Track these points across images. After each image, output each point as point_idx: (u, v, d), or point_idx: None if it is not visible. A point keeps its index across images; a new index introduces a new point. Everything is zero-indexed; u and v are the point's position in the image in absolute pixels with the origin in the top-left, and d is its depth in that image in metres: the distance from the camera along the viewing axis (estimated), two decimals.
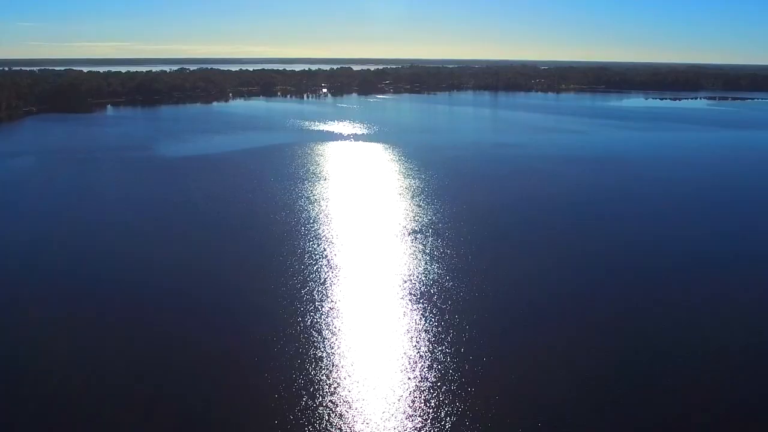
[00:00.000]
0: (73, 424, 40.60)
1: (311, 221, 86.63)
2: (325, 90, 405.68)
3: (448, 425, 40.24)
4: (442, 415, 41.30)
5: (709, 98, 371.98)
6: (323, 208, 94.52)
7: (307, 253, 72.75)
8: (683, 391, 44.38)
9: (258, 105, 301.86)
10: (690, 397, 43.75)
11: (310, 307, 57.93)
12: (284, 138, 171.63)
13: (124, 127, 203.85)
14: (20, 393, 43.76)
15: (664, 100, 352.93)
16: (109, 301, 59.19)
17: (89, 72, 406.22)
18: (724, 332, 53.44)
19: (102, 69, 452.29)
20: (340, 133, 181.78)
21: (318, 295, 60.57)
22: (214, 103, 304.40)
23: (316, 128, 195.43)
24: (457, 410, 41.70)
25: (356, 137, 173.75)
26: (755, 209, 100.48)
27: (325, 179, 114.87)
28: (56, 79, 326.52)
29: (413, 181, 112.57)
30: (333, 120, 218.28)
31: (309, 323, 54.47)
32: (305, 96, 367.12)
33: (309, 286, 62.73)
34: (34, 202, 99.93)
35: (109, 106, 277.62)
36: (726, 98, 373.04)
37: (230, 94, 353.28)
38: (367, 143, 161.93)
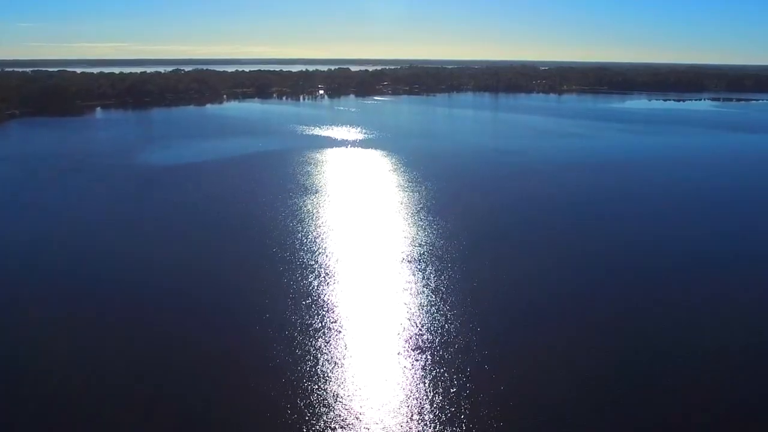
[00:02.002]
0: (73, 424, 41.51)
1: (310, 228, 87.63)
2: (321, 91, 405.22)
3: (448, 425, 41.21)
4: (443, 415, 42.31)
5: (713, 99, 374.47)
6: (321, 215, 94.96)
7: (307, 253, 73.94)
8: (683, 391, 45.32)
9: (252, 107, 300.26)
10: (690, 397, 44.68)
11: (311, 307, 59.09)
12: (279, 144, 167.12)
13: (109, 132, 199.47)
14: (20, 393, 44.70)
15: (667, 102, 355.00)
16: (109, 301, 60.31)
17: (82, 73, 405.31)
18: (724, 332, 54.56)
19: (99, 69, 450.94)
20: (337, 139, 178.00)
21: (318, 295, 61.72)
22: (208, 106, 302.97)
23: (312, 133, 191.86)
24: (457, 410, 42.71)
25: (354, 143, 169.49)
26: (755, 209, 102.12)
27: (322, 190, 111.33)
28: (47, 80, 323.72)
29: (412, 192, 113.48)
30: (329, 124, 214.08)
31: (309, 323, 55.59)
32: (301, 98, 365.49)
33: (309, 286, 63.90)
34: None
35: (98, 108, 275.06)
36: (730, 99, 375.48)
37: (224, 96, 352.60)
38: (365, 150, 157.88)
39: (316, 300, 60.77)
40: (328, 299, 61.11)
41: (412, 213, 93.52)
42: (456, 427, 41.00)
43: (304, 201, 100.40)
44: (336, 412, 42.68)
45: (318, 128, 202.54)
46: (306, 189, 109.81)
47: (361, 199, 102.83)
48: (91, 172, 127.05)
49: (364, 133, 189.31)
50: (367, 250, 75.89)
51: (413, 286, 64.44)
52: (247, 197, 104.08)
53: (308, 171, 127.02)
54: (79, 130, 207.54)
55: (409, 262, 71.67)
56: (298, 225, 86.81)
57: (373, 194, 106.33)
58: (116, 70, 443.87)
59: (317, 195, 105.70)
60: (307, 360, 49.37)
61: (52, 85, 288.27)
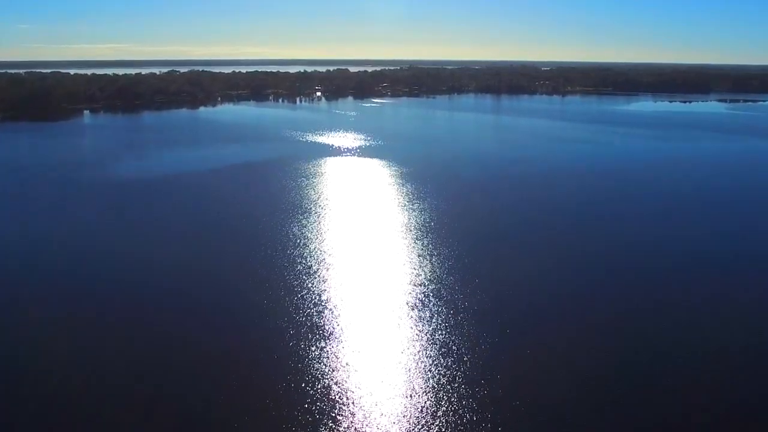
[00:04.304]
0: (73, 424, 42.74)
1: (311, 233, 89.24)
2: (319, 93, 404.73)
3: (447, 425, 42.48)
4: (442, 415, 43.59)
5: (720, 100, 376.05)
6: (317, 234, 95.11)
7: (307, 254, 75.56)
8: (683, 391, 46.53)
9: (247, 111, 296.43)
10: (690, 397, 45.88)
11: (311, 306, 60.69)
12: (272, 153, 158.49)
13: (89, 139, 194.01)
14: (20, 393, 46.03)
15: (673, 103, 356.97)
16: (109, 301, 61.92)
17: (75, 74, 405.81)
18: (724, 332, 56.04)
19: (95, 71, 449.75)
20: (335, 146, 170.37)
21: (318, 295, 63.36)
22: (201, 108, 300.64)
23: (307, 140, 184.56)
24: (458, 410, 44.02)
25: (352, 151, 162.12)
26: (755, 209, 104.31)
27: (317, 206, 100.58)
28: (36, 82, 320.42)
29: (414, 205, 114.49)
30: (327, 130, 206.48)
31: (310, 323, 57.12)
32: (298, 100, 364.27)
33: (310, 287, 65.51)
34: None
35: (86, 111, 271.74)
36: (737, 100, 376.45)
37: (218, 98, 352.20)
38: (364, 158, 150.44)
39: (317, 300, 62.22)
40: (330, 300, 62.55)
41: (411, 213, 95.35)
42: (455, 427, 42.22)
43: (299, 220, 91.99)
44: (336, 412, 43.99)
45: (314, 134, 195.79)
46: (300, 206, 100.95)
47: (359, 216, 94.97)
48: (51, 186, 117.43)
49: (363, 140, 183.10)
50: (364, 254, 77.58)
51: (413, 288, 66.04)
52: (235, 215, 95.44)
53: (303, 184, 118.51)
54: (58, 136, 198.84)
55: (410, 267, 73.42)
56: (299, 231, 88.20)
57: (371, 212, 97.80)
58: (113, 71, 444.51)
59: (312, 213, 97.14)
60: (308, 360, 50.77)
61: (38, 87, 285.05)
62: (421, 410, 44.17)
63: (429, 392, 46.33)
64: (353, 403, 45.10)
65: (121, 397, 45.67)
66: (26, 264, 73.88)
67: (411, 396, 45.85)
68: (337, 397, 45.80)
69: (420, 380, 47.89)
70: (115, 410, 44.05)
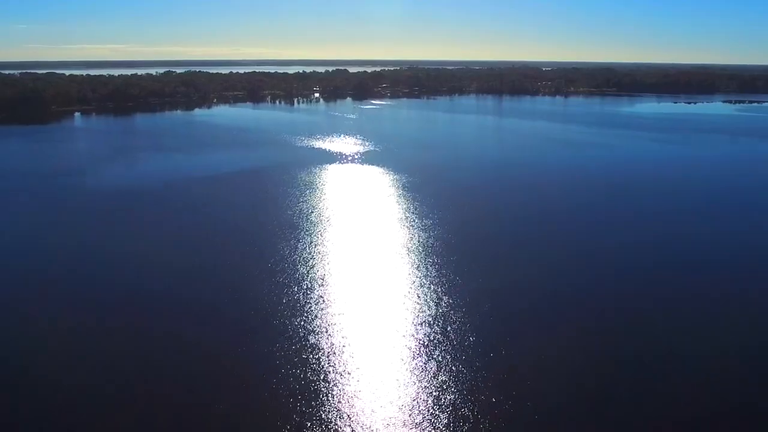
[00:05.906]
0: (73, 424, 43.84)
1: (313, 241, 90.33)
2: (317, 95, 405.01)
3: (448, 425, 43.56)
4: (443, 415, 44.70)
5: (725, 101, 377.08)
6: (324, 228, 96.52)
7: (308, 255, 76.74)
8: (683, 391, 47.69)
9: (243, 113, 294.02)
10: (690, 397, 47.00)
11: (312, 308, 62.00)
12: (267, 160, 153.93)
13: (76, 144, 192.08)
14: (20, 393, 47.16)
15: (677, 104, 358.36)
16: (109, 302, 63.27)
17: (70, 76, 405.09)
18: (724, 332, 57.38)
19: (94, 72, 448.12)
20: (333, 152, 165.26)
21: (319, 297, 64.63)
22: (196, 110, 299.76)
23: (305, 144, 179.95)
24: (458, 410, 45.14)
25: (350, 158, 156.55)
26: (756, 210, 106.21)
27: (312, 222, 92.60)
28: (27, 83, 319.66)
29: (417, 222, 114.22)
30: (324, 134, 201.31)
31: (310, 324, 58.41)
32: (296, 102, 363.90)
33: (310, 288, 66.84)
34: None
35: (77, 114, 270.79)
36: (742, 101, 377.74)
37: (214, 100, 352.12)
38: (363, 165, 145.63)
39: (318, 302, 63.53)
40: (330, 301, 63.89)
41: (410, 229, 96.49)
42: (456, 428, 43.28)
43: (294, 236, 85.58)
44: (336, 413, 45.13)
45: (312, 139, 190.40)
46: (294, 222, 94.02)
47: (357, 235, 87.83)
48: (30, 193, 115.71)
49: (362, 145, 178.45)
50: (367, 262, 78.70)
51: (414, 290, 67.33)
52: (227, 230, 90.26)
53: (299, 195, 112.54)
54: (43, 141, 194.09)
55: (409, 251, 74.65)
56: (300, 237, 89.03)
57: (371, 229, 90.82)
58: (110, 72, 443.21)
59: (308, 228, 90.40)
60: (309, 361, 51.98)
61: (29, 89, 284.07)
62: (421, 411, 45.27)
63: (429, 392, 47.52)
64: (353, 401, 46.22)
65: (120, 397, 46.68)
66: (25, 266, 75.07)
67: (410, 397, 46.98)
68: (338, 397, 46.91)
69: (420, 381, 49.05)
70: (115, 410, 45.03)
